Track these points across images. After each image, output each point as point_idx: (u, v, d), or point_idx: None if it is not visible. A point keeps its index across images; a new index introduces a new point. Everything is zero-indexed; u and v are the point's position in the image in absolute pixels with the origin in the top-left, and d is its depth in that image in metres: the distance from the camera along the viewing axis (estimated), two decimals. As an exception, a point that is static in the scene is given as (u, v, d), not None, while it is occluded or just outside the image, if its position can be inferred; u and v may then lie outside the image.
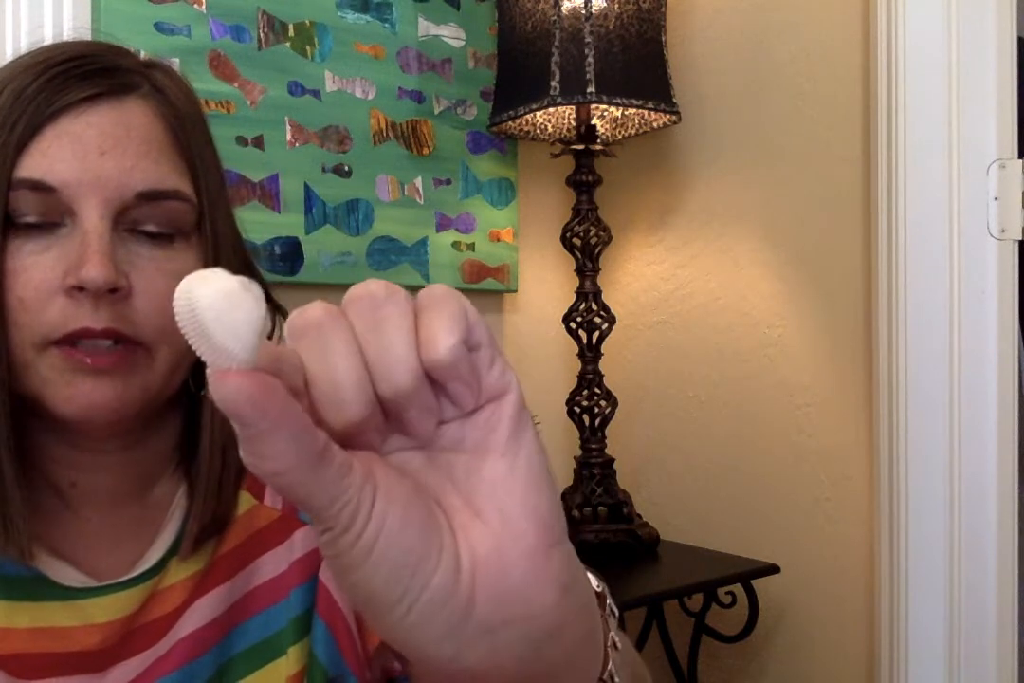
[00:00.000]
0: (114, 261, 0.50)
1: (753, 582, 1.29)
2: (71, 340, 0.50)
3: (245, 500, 0.60)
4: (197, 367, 0.57)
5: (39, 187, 0.50)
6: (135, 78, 0.54)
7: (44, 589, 0.53)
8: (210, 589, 0.57)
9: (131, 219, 0.52)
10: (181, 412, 0.60)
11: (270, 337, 0.66)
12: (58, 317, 0.50)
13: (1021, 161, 1.14)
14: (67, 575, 0.54)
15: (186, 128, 0.56)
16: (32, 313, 0.50)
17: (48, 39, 0.57)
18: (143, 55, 0.58)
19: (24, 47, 0.55)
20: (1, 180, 0.49)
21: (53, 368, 0.50)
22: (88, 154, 0.51)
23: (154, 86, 0.55)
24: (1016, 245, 1.16)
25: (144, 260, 0.52)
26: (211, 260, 0.55)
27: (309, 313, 0.29)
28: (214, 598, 0.57)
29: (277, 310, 0.64)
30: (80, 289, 0.49)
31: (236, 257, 0.59)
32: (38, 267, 0.50)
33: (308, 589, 0.59)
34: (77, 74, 0.52)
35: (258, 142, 1.25)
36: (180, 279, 0.53)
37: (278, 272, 1.26)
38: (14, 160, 0.50)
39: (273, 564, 0.59)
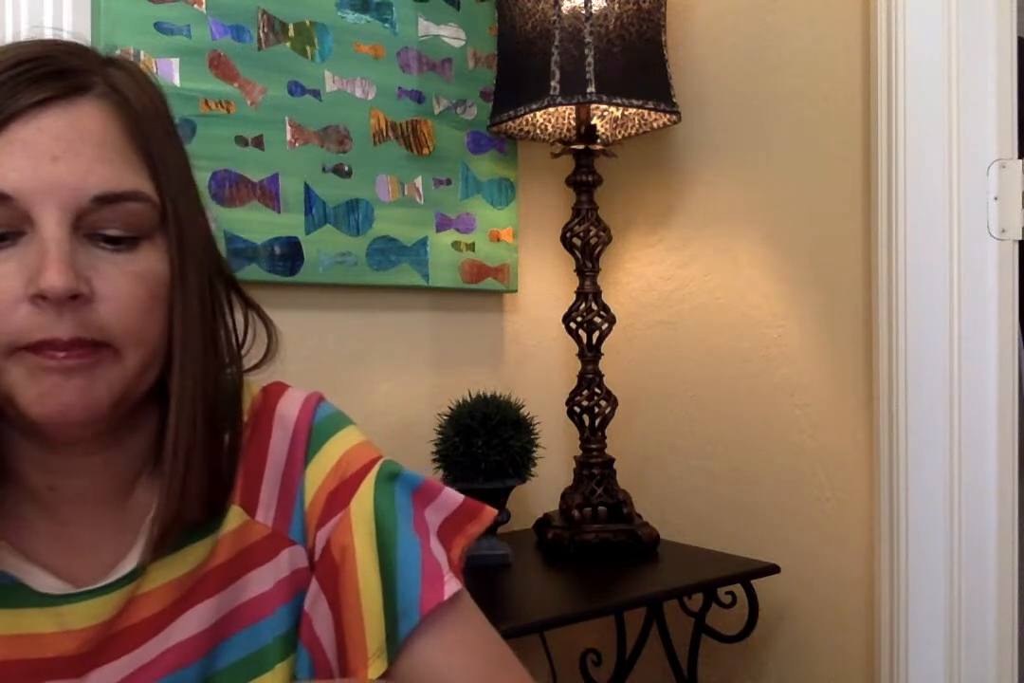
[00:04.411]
0: (73, 267, 0.49)
1: (753, 582, 1.29)
2: (38, 348, 0.49)
3: (237, 515, 0.60)
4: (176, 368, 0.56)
5: None
6: (88, 78, 0.53)
7: (21, 596, 0.53)
8: (200, 601, 0.57)
9: (90, 223, 0.51)
10: (157, 412, 0.59)
11: (242, 344, 0.64)
12: (24, 325, 0.49)
13: (1021, 161, 1.14)
14: (44, 582, 0.54)
15: (143, 126, 0.54)
16: None
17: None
18: (105, 52, 0.57)
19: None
20: None
21: (22, 370, 0.50)
22: (40, 160, 0.49)
23: (109, 85, 0.53)
24: (1016, 245, 1.16)
25: (107, 264, 0.51)
26: (177, 260, 0.54)
27: None
28: (203, 610, 0.57)
29: (248, 305, 0.63)
30: (43, 297, 0.48)
31: (205, 256, 0.57)
32: (1, 277, 0.49)
33: (293, 608, 0.60)
34: (27, 78, 0.50)
35: (258, 142, 1.25)
36: (143, 281, 0.52)
37: (278, 272, 1.26)
38: None
39: (261, 581, 0.59)
